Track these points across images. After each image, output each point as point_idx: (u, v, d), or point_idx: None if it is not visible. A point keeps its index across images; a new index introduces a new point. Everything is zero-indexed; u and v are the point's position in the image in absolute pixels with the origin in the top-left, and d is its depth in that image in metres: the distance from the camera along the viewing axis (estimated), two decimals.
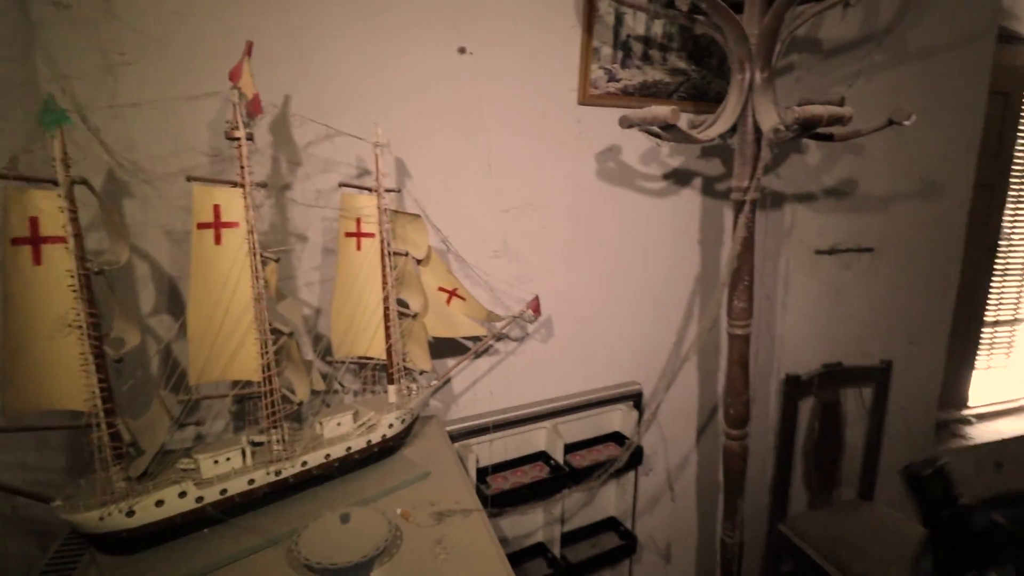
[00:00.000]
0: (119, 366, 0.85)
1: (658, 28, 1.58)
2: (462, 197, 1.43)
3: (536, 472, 1.54)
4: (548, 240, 1.56)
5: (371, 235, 1.07)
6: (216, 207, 0.89)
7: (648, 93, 1.60)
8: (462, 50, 1.41)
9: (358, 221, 1.06)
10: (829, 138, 1.01)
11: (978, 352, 2.97)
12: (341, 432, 1.08)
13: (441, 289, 1.20)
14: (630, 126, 0.99)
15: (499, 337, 1.41)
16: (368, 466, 1.13)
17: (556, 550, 1.62)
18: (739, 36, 0.94)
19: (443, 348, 1.35)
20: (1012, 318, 3.13)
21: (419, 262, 1.16)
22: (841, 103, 1.08)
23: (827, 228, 1.92)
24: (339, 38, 1.23)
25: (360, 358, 1.13)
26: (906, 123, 0.90)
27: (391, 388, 1.14)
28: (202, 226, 0.89)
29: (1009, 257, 3.00)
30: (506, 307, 1.43)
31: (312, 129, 1.14)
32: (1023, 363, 3.21)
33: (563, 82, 1.52)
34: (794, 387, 1.87)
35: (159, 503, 0.86)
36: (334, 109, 1.20)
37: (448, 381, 1.37)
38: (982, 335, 2.97)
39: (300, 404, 1.04)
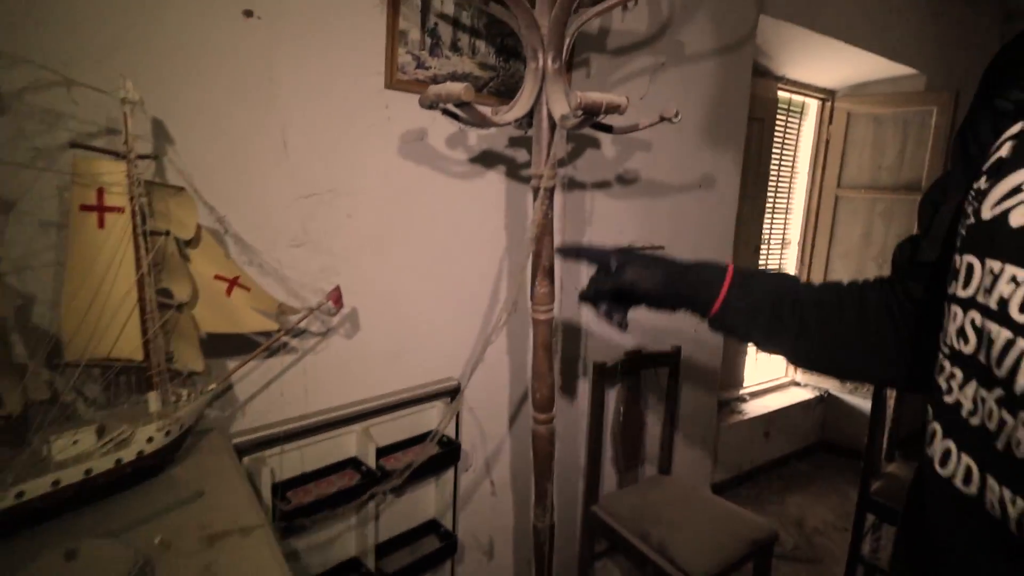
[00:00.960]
0: None
1: (466, 18, 1.58)
2: (253, 179, 1.28)
3: (345, 481, 1.43)
4: (355, 229, 1.46)
5: (118, 209, 0.88)
6: None
7: None
8: (248, 13, 1.26)
9: (100, 192, 0.87)
10: (610, 129, 1.08)
11: None
12: (79, 451, 0.87)
13: (219, 277, 1.04)
14: (430, 105, 0.95)
15: (295, 333, 1.28)
16: (121, 492, 0.93)
17: (371, 562, 1.51)
18: (530, 23, 0.95)
19: (226, 347, 1.18)
20: None
21: (187, 244, 0.99)
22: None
23: (626, 226, 2.09)
24: None
25: (106, 359, 0.92)
26: (674, 120, 1.00)
27: (152, 395, 0.96)
28: None
29: (768, 257, 3.59)
30: (305, 300, 1.30)
31: (30, 72, 0.92)
32: None
33: (369, 64, 1.44)
34: (601, 374, 1.99)
35: None
36: (79, 57, 0.99)
37: (230, 386, 1.20)
38: None
39: (10, 418, 0.81)
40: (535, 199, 1.06)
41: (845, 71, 3.35)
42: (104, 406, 0.98)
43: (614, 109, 0.84)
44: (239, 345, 1.18)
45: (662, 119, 1.01)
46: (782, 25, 2.57)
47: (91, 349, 0.89)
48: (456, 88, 0.80)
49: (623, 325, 0.80)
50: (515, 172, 1.71)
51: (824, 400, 3.84)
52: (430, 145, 1.56)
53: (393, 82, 1.48)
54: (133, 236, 0.89)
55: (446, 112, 1.05)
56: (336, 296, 1.18)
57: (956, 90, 3.22)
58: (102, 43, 1.04)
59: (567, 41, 0.98)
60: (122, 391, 0.97)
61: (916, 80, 3.41)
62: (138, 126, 0.95)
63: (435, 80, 1.55)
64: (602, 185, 1.97)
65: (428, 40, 1.53)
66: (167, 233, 0.93)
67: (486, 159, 1.67)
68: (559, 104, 0.95)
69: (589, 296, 0.80)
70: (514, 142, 1.65)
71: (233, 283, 1.05)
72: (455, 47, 1.57)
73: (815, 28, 2.68)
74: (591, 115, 0.81)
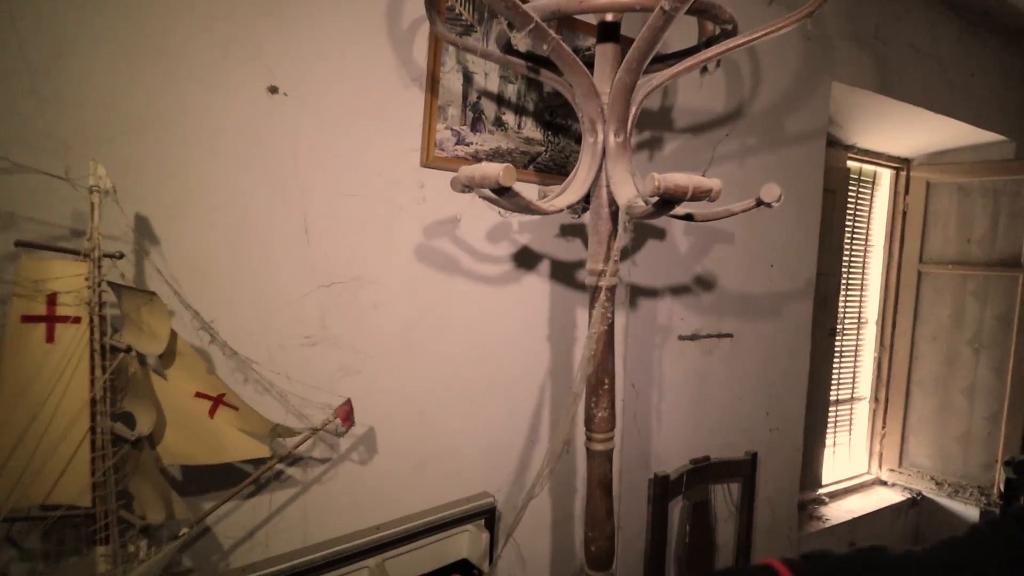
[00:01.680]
0: None
1: (512, 92, 1.43)
2: (266, 268, 1.12)
3: None
4: (381, 321, 1.28)
5: (73, 320, 0.71)
6: None
7: (500, 161, 1.43)
8: (273, 89, 1.15)
9: (51, 299, 0.70)
10: (689, 218, 0.87)
11: (826, 431, 3.08)
12: None
13: (201, 395, 0.85)
14: (464, 189, 0.77)
15: (291, 459, 1.06)
16: None
17: None
18: (589, 90, 0.77)
19: (208, 478, 0.97)
20: (850, 397, 3.32)
21: (160, 358, 0.81)
22: None
23: (688, 314, 1.83)
24: (92, 52, 0.92)
25: (43, 508, 0.73)
26: (775, 204, 0.78)
27: (99, 551, 0.75)
28: None
29: (844, 339, 3.21)
30: (311, 416, 1.09)
31: None
32: (863, 440, 3.40)
33: (403, 140, 1.30)
34: (663, 488, 1.68)
35: None
36: (78, 142, 0.87)
37: (206, 530, 0.98)
38: (828, 415, 3.09)
39: None
40: (592, 302, 0.84)
41: (922, 139, 3.07)
42: (44, 564, 0.77)
43: (703, 195, 0.63)
44: (225, 475, 0.96)
45: (760, 203, 0.79)
46: (854, 92, 2.35)
47: (19, 496, 0.70)
48: (493, 170, 0.61)
49: None
50: (565, 265, 1.51)
51: (918, 503, 3.33)
52: (467, 230, 1.38)
53: (430, 160, 1.34)
54: (91, 353, 0.72)
55: (484, 197, 0.87)
56: (346, 412, 0.97)
57: None
58: (109, 123, 0.92)
59: (633, 110, 0.79)
60: (68, 540, 0.77)
61: (1003, 147, 3.09)
62: (114, 224, 0.80)
63: (475, 157, 1.39)
64: (665, 282, 1.74)
65: (470, 115, 1.38)
66: (128, 350, 0.75)
67: (532, 248, 1.48)
68: (624, 187, 0.74)
69: None
70: (566, 230, 1.46)
71: (218, 401, 0.86)
72: (499, 122, 1.42)
73: (890, 94, 2.45)
74: (671, 203, 0.61)
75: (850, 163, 3.01)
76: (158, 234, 0.93)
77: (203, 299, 0.95)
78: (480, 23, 1.37)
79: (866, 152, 3.09)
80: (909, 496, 3.27)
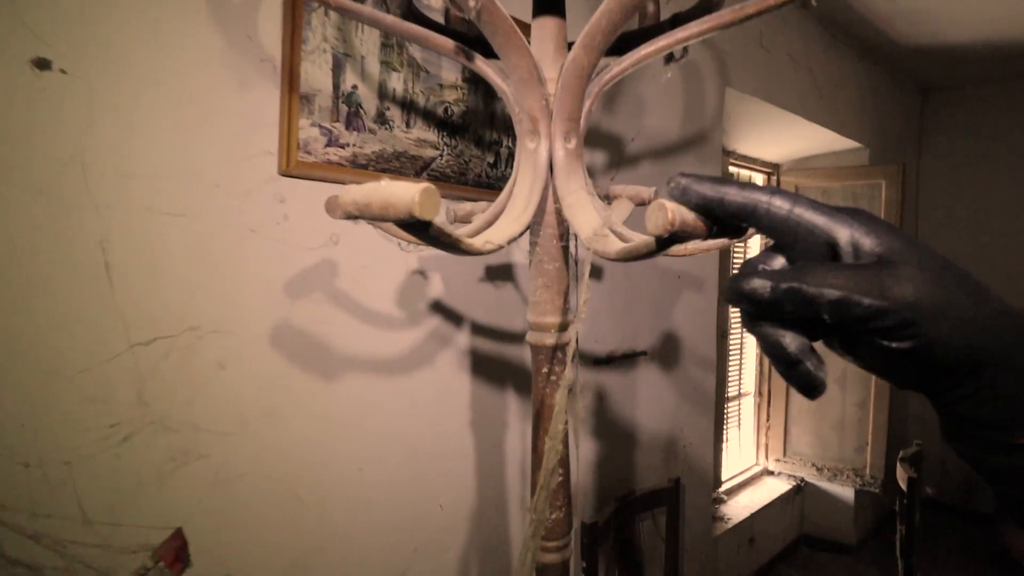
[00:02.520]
0: None
1: (397, 81, 1.15)
2: (38, 330, 0.75)
3: None
4: (232, 385, 0.95)
5: None
6: None
7: (387, 168, 1.14)
8: (43, 63, 0.77)
9: None
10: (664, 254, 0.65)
11: (724, 430, 3.12)
12: None
13: None
14: (349, 217, 0.47)
15: None
16: None
17: None
18: (530, 75, 0.52)
19: None
20: (738, 393, 3.42)
21: None
22: (655, 196, 0.75)
23: (601, 335, 1.66)
24: None
25: None
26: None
27: None
28: None
29: (731, 338, 3.29)
30: (116, 570, 0.73)
31: None
32: (749, 434, 3.52)
33: (253, 139, 0.97)
34: (592, 537, 1.49)
35: None
36: None
37: None
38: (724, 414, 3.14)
39: None
40: (537, 368, 0.59)
41: (793, 145, 3.23)
42: None
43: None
44: None
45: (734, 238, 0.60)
46: (742, 99, 2.35)
47: None
48: (403, 195, 0.34)
49: (817, 380, 0.30)
50: (487, 324, 1.25)
51: (802, 490, 3.51)
52: (348, 254, 1.08)
53: (292, 166, 1.01)
54: None
55: (385, 230, 0.59)
56: (174, 551, 0.63)
57: (902, 163, 3.16)
58: None
59: (587, 106, 0.55)
60: None
61: (859, 154, 3.34)
62: None
63: (354, 162, 1.09)
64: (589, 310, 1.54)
65: (344, 109, 1.08)
66: None
67: (437, 273, 1.20)
68: (582, 212, 0.51)
69: (768, 300, 0.28)
70: (492, 273, 1.20)
71: None
72: (382, 119, 1.13)
73: (772, 101, 2.50)
74: (675, 243, 0.39)
75: (731, 168, 3.08)
76: None
77: None
78: None
79: (743, 157, 3.18)
80: (794, 484, 3.44)
